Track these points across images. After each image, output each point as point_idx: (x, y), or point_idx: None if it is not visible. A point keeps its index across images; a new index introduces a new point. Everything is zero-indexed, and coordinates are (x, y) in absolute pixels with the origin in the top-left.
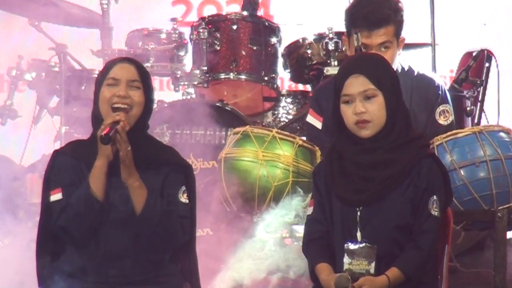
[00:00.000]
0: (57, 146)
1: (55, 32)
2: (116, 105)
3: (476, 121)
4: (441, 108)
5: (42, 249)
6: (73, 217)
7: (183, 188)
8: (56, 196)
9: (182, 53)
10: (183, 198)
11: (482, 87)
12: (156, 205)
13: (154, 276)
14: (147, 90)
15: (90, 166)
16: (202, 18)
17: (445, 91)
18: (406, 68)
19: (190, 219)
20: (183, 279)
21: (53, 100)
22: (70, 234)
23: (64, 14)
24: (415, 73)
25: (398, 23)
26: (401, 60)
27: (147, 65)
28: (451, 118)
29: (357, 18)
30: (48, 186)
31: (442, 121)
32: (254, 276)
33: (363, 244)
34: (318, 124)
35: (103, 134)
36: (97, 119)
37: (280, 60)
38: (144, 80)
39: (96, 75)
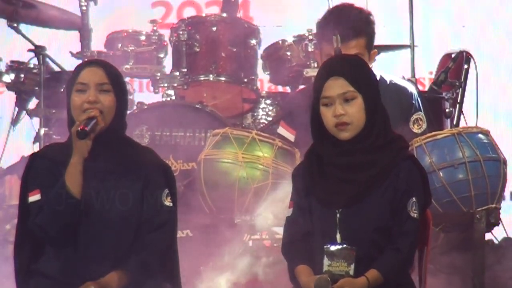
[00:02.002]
0: (36, 147)
1: (34, 34)
2: (87, 111)
3: (454, 122)
4: (414, 116)
5: (20, 251)
6: (49, 215)
7: (166, 191)
8: (34, 197)
9: (161, 55)
10: (167, 202)
11: (461, 89)
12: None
13: None
14: (118, 91)
15: None
16: (182, 20)
17: (417, 98)
18: (378, 78)
19: (172, 225)
20: (164, 280)
21: (32, 101)
22: (47, 232)
23: (43, 16)
24: (388, 82)
25: (369, 35)
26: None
27: (126, 67)
28: (424, 125)
29: (327, 29)
30: (26, 188)
31: (416, 129)
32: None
33: (343, 246)
34: (290, 137)
35: (79, 129)
36: (72, 124)
37: (260, 62)
38: (114, 82)
39: None
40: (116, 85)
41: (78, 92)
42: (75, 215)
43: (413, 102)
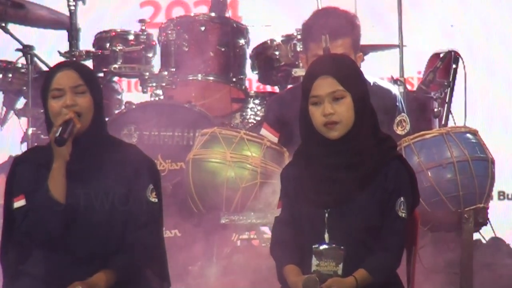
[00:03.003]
0: (24, 147)
1: (22, 34)
2: (62, 115)
3: (443, 122)
4: (398, 118)
5: (6, 254)
6: (35, 221)
7: (151, 186)
8: (19, 202)
9: (150, 55)
10: (152, 197)
11: (449, 89)
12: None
13: None
14: (94, 90)
15: None
16: (170, 20)
17: (401, 100)
18: None
19: (158, 220)
20: (153, 275)
21: (20, 101)
22: (34, 239)
23: (31, 15)
24: (371, 84)
25: (355, 37)
26: None
27: (114, 66)
28: (408, 127)
29: (314, 29)
30: (10, 194)
31: (399, 131)
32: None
33: (331, 246)
34: (274, 139)
35: (57, 136)
36: (52, 128)
37: (248, 62)
38: (89, 82)
39: None
40: (91, 84)
41: (55, 98)
42: (60, 220)
43: (397, 104)
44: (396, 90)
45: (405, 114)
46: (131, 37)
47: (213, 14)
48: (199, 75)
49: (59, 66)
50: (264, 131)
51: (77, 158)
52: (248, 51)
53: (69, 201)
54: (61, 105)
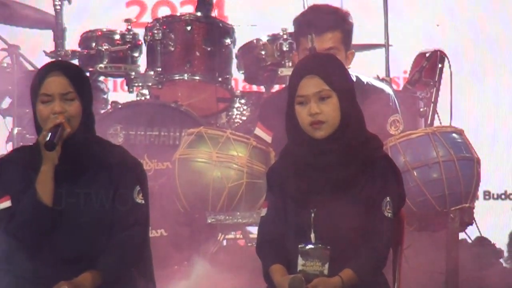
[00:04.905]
0: (9, 147)
1: (7, 33)
2: (52, 118)
3: (429, 122)
4: (391, 118)
5: None
6: (22, 224)
7: (138, 187)
8: (4, 204)
9: (136, 54)
10: (139, 199)
11: (435, 88)
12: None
13: None
14: (84, 96)
15: (37, 172)
16: (156, 19)
17: (395, 100)
18: (354, 79)
19: (145, 221)
20: (138, 275)
21: (5, 101)
22: (20, 240)
23: (16, 15)
24: (365, 83)
25: (346, 32)
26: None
27: (100, 66)
28: (401, 127)
29: (304, 24)
30: None
31: (393, 131)
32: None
33: (317, 246)
34: (267, 138)
35: (47, 140)
36: (40, 131)
37: (234, 61)
38: (79, 88)
39: None
40: (81, 90)
41: (44, 103)
42: (48, 223)
43: (391, 104)
44: (390, 89)
45: (398, 115)
46: (117, 37)
47: (199, 14)
48: (185, 74)
49: (49, 69)
50: (258, 131)
51: (65, 160)
52: (234, 51)
53: (56, 203)
54: (49, 111)
